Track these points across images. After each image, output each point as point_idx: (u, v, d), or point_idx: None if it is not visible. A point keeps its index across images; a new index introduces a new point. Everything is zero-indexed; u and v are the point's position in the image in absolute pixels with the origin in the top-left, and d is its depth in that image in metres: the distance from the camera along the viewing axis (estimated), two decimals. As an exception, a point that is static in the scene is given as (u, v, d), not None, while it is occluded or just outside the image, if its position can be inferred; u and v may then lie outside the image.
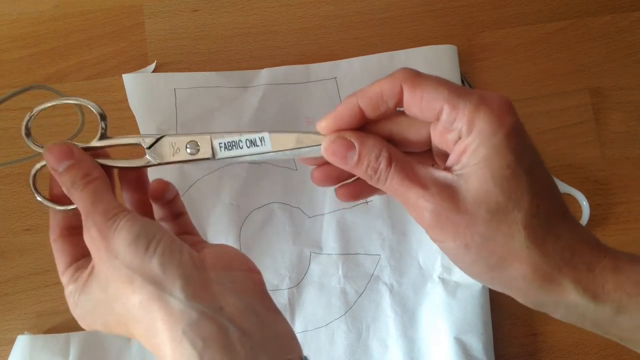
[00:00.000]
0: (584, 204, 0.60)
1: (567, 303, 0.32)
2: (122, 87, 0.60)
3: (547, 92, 0.63)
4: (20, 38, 0.62)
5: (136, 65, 0.62)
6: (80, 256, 0.37)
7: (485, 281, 0.34)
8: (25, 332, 0.56)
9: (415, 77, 0.33)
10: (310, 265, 0.59)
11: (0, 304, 0.58)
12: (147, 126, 0.60)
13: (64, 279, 0.37)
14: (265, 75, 0.61)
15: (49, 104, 0.40)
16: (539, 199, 0.32)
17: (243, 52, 0.63)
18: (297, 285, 0.58)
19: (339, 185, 0.38)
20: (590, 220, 0.60)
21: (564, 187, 0.60)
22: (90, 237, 0.34)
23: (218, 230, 0.59)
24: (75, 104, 0.42)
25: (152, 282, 0.32)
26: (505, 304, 0.58)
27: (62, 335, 0.55)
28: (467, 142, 0.32)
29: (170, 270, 0.32)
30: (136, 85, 0.60)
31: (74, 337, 0.55)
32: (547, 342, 0.58)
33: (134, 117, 0.60)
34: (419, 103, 0.33)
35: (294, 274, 0.58)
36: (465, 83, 0.62)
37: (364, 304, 0.58)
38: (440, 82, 0.33)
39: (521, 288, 0.33)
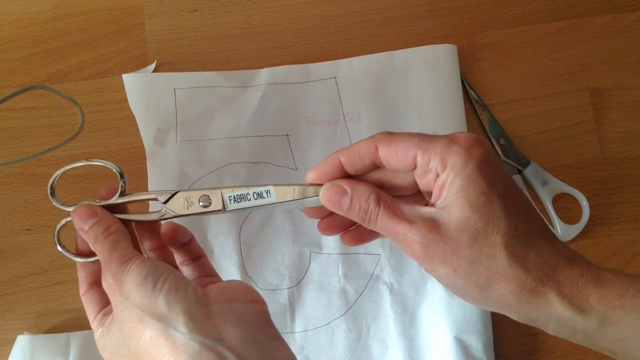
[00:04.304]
0: (584, 204, 0.60)
1: (556, 317, 0.34)
2: (122, 87, 0.60)
3: (547, 92, 0.63)
4: (20, 38, 0.62)
5: (136, 65, 0.62)
6: (108, 303, 0.40)
7: (480, 302, 0.36)
8: (25, 332, 0.56)
9: (389, 135, 0.37)
10: (310, 264, 0.59)
11: (0, 304, 0.58)
12: (147, 126, 0.60)
13: (94, 324, 0.40)
14: (265, 75, 0.61)
15: (76, 165, 0.43)
16: (516, 220, 0.34)
17: (243, 52, 0.63)
18: (297, 284, 0.58)
19: (343, 232, 0.42)
20: (590, 220, 0.60)
21: (564, 187, 0.60)
22: (107, 283, 0.37)
23: (218, 231, 0.59)
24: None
25: (159, 319, 0.34)
26: (505, 304, 0.58)
27: (63, 335, 0.55)
28: (443, 178, 0.35)
29: (175, 306, 0.34)
30: (136, 85, 0.60)
31: (74, 336, 0.55)
32: (547, 342, 0.58)
33: (134, 117, 0.60)
34: (394, 156, 0.36)
35: (294, 273, 0.58)
36: (466, 83, 0.62)
37: (364, 303, 0.58)
38: (411, 134, 0.37)
39: (512, 305, 0.35)
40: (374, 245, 0.59)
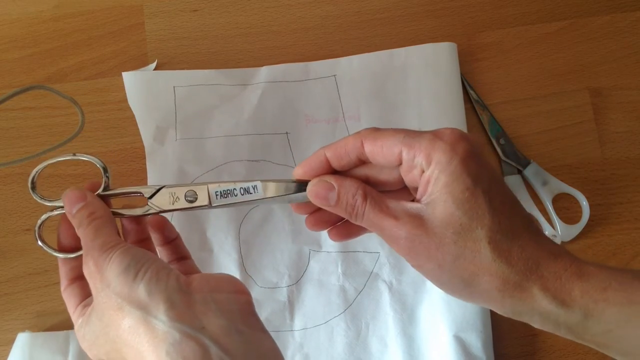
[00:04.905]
0: (584, 204, 0.60)
1: (540, 311, 0.34)
2: (122, 87, 0.61)
3: (547, 92, 0.63)
4: (20, 38, 0.63)
5: (136, 65, 0.62)
6: (88, 296, 0.40)
7: (465, 297, 0.37)
8: (26, 330, 0.56)
9: (375, 131, 0.37)
10: (309, 262, 0.59)
11: (0, 304, 0.58)
12: (146, 124, 0.60)
13: (74, 316, 0.40)
14: (264, 72, 0.62)
15: (59, 159, 0.42)
16: (500, 215, 0.34)
17: (243, 52, 0.63)
18: (297, 282, 0.58)
19: (330, 228, 0.42)
20: (590, 220, 0.59)
21: (564, 187, 0.60)
22: (89, 270, 0.37)
23: (217, 229, 0.59)
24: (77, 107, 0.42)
25: (139, 307, 0.34)
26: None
27: (62, 333, 0.55)
28: (428, 174, 0.35)
29: (156, 295, 0.34)
30: (135, 83, 0.61)
31: (74, 335, 0.55)
32: (547, 342, 0.58)
33: (134, 117, 0.60)
34: (380, 152, 0.37)
35: (293, 271, 0.58)
36: (466, 83, 0.62)
37: (363, 301, 0.58)
38: (396, 130, 0.37)
39: (497, 299, 0.35)
40: (373, 244, 0.59)
